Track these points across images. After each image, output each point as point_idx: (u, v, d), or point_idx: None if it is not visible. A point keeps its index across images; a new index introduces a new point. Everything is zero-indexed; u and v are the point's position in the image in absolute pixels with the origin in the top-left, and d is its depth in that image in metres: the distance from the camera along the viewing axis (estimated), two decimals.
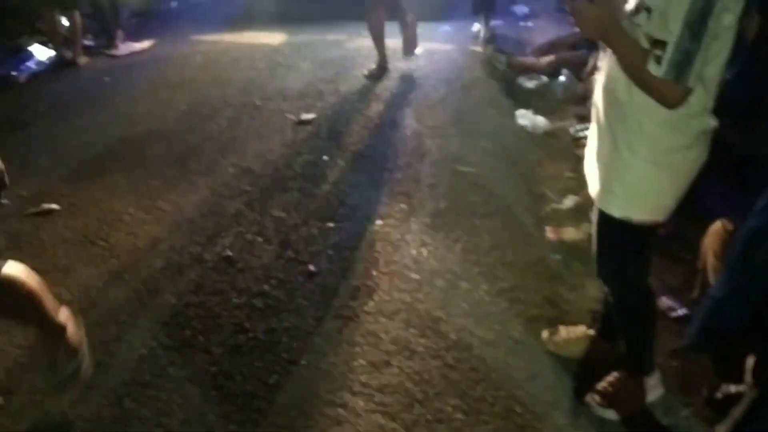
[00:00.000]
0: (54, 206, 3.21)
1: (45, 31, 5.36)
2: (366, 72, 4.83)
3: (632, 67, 1.55)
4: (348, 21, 5.49)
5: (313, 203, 3.21)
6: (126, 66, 5.37)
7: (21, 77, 5.00)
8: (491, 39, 5.38)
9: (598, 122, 1.76)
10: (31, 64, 5.16)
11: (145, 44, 5.87)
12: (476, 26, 5.67)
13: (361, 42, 5.00)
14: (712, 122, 1.62)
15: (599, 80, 1.76)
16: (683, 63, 1.44)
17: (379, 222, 3.04)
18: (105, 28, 5.81)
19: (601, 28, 1.57)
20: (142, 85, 4.84)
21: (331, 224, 3.03)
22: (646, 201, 1.71)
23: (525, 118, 4.04)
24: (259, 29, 6.00)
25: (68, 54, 5.35)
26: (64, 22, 5.32)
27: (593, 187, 1.81)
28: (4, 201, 3.26)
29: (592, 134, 1.83)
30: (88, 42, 5.72)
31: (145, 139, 3.93)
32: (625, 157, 1.67)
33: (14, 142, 3.97)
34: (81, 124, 4.21)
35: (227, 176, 3.49)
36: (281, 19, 6.19)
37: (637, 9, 1.54)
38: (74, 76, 5.17)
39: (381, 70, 4.85)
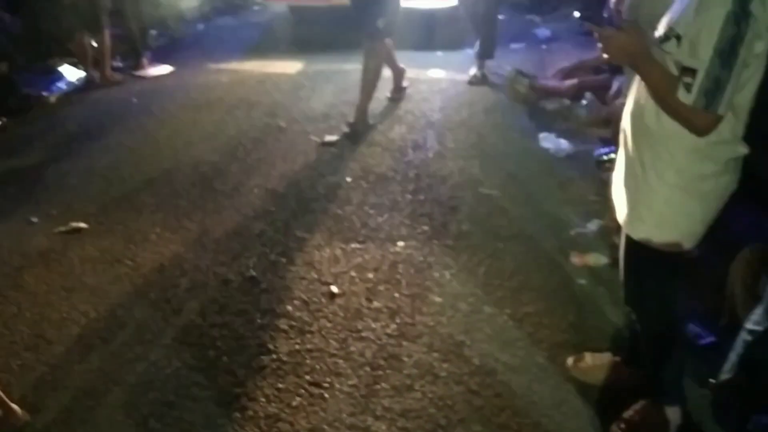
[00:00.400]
0: (82, 225, 3.26)
1: (75, 53, 5.48)
2: (389, 94, 4.86)
3: (661, 94, 1.55)
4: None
5: (336, 224, 3.23)
6: (153, 87, 5.47)
7: (51, 97, 5.11)
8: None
9: (626, 148, 1.76)
10: (61, 84, 5.26)
11: (169, 67, 5.98)
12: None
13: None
14: (743, 149, 1.61)
15: (627, 106, 1.76)
16: (713, 91, 1.44)
17: (401, 244, 3.05)
18: (133, 49, 5.94)
19: (631, 56, 1.58)
20: (168, 106, 4.92)
21: (353, 245, 3.04)
22: (675, 227, 1.69)
23: (548, 140, 4.03)
24: (278, 58, 6.07)
25: (97, 75, 5.47)
26: (93, 43, 5.45)
27: (621, 213, 1.80)
28: (34, 219, 3.34)
29: (619, 160, 1.82)
30: (116, 63, 5.84)
31: (171, 160, 3.99)
32: (653, 184, 1.66)
33: (44, 161, 4.08)
34: (109, 144, 4.29)
35: (252, 197, 3.53)
36: (300, 48, 6.24)
37: (667, 36, 1.54)
38: (103, 96, 5.27)
39: (401, 90, 4.88)
